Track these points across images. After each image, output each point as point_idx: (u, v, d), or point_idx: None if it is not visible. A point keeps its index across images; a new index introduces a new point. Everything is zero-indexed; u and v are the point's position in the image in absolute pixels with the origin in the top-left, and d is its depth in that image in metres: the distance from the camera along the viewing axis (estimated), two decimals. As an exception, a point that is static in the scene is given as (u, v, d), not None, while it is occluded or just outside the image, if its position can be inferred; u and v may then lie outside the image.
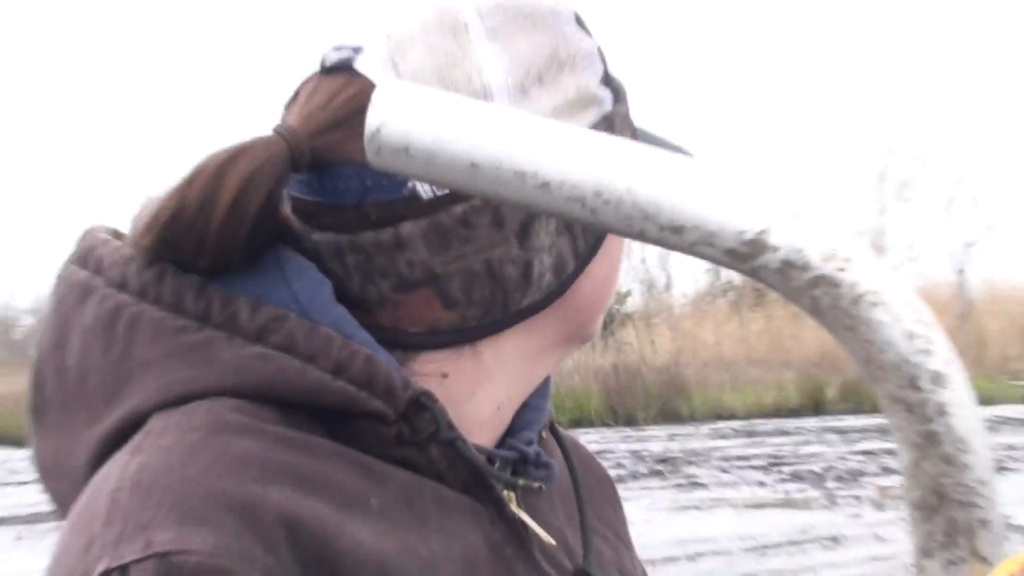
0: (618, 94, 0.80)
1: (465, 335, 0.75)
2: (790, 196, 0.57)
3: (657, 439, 17.23)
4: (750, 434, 17.36)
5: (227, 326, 0.68)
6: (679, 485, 12.37)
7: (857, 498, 10.92)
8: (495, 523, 0.75)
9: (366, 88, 0.68)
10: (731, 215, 0.56)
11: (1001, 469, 10.79)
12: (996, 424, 15.79)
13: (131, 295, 0.69)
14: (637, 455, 14.91)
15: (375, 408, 0.69)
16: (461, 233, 0.71)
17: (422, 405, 0.70)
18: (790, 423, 18.74)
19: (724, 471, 13.29)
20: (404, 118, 0.57)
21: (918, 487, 0.58)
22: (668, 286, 24.67)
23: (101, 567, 0.58)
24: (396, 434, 0.70)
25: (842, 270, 0.56)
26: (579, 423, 19.05)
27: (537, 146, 0.57)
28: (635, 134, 0.81)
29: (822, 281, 0.56)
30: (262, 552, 0.60)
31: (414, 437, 0.70)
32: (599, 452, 9.59)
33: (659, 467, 13.71)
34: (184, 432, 0.65)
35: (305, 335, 0.68)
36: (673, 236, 0.57)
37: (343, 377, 0.68)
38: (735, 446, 15.83)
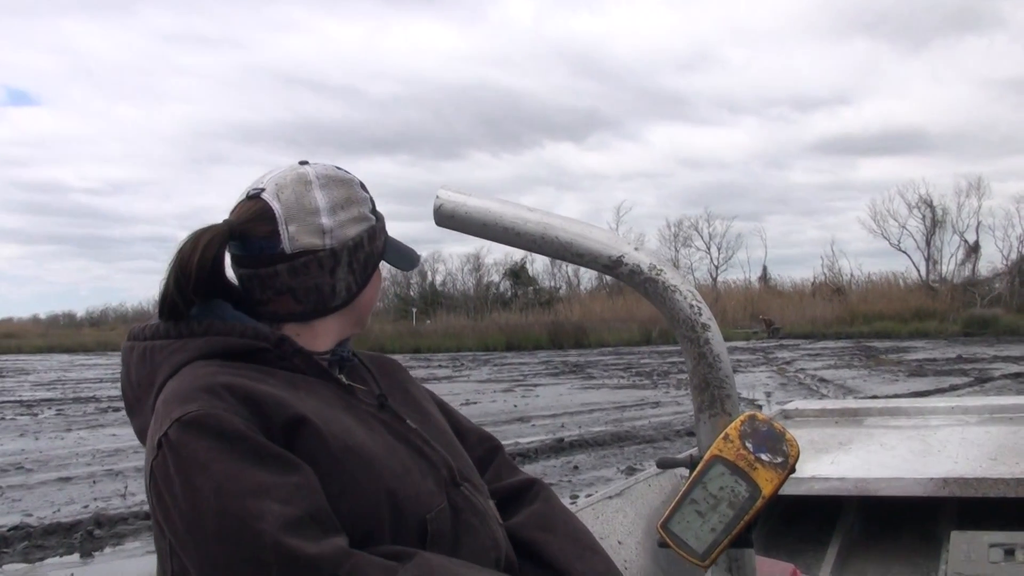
0: (379, 218, 1.62)
1: (306, 316, 1.54)
2: (634, 239, 1.18)
3: (572, 355, 33.57)
4: (616, 354, 33.25)
5: (190, 333, 1.47)
6: (583, 377, 23.51)
7: (666, 384, 20.45)
8: (335, 387, 1.52)
9: (264, 205, 1.50)
10: (605, 248, 1.19)
11: (734, 371, 19.61)
12: (731, 349, 28.19)
13: (147, 340, 1.49)
14: (564, 363, 29.19)
15: (262, 345, 1.46)
16: (303, 271, 1.51)
17: (282, 339, 1.48)
18: (636, 348, 36.29)
19: (604, 370, 25.50)
20: (450, 200, 1.18)
21: (695, 377, 1.20)
22: (578, 283, 49.69)
23: (159, 435, 1.32)
24: (275, 355, 1.47)
25: (659, 273, 1.18)
26: (537, 347, 38.58)
27: (512, 216, 1.19)
28: (386, 240, 1.63)
29: (648, 280, 1.18)
30: (222, 404, 1.32)
31: (283, 355, 1.47)
32: (547, 363, 29.20)
33: (574, 369, 26.40)
34: (183, 375, 1.41)
35: (222, 325, 1.47)
36: (578, 258, 1.20)
37: (245, 336, 1.46)
38: (609, 359, 30.80)
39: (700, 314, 1.15)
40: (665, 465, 1.37)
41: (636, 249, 1.15)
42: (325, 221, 1.51)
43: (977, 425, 5.19)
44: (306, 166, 1.57)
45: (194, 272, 1.42)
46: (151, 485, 1.32)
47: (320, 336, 1.55)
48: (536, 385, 20.73)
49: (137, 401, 1.47)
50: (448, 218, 1.23)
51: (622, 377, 22.61)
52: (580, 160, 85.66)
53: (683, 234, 55.17)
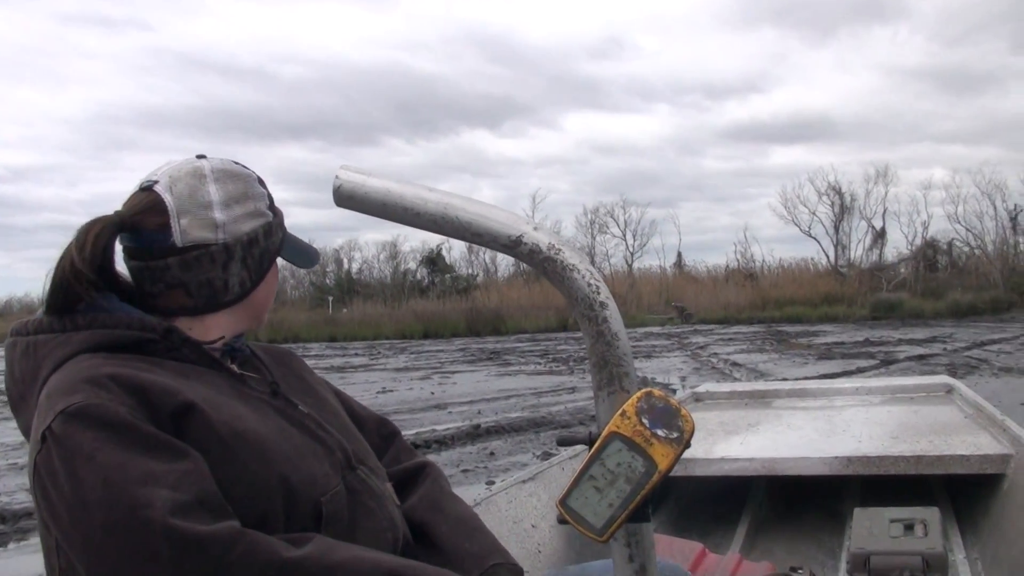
0: (276, 213, 1.61)
1: (197, 311, 1.53)
2: (550, 225, 1.19)
3: (489, 343, 33.55)
4: (534, 340, 33.31)
5: (74, 327, 1.44)
6: (500, 363, 23.30)
7: (583, 369, 19.82)
8: (226, 376, 1.51)
9: (156, 198, 1.49)
10: (504, 228, 1.19)
11: (649, 356, 22.64)
12: (646, 335, 32.84)
13: (30, 335, 1.46)
14: (481, 350, 28.93)
15: (149, 336, 1.45)
16: (195, 264, 1.50)
17: (170, 329, 1.46)
18: (553, 335, 36.67)
19: (521, 357, 25.21)
20: (349, 180, 1.17)
21: (594, 355, 1.21)
22: (495, 270, 50.11)
23: (43, 429, 1.29)
24: (163, 346, 1.45)
25: (558, 253, 1.19)
26: (455, 335, 38.55)
27: (412, 195, 1.19)
28: (284, 236, 1.64)
29: (548, 259, 1.18)
30: (107, 395, 1.30)
31: (171, 345, 1.46)
32: (465, 350, 29.27)
33: (491, 356, 26.17)
34: (66, 368, 1.38)
35: (107, 318, 1.44)
36: (477, 238, 1.20)
37: (131, 328, 1.44)
38: (527, 346, 30.36)
39: (598, 293, 1.16)
40: (565, 443, 1.38)
41: (535, 229, 1.16)
42: (218, 215, 1.50)
43: (880, 405, 5.36)
44: (202, 160, 1.57)
45: (83, 265, 1.42)
46: (35, 480, 1.30)
47: (211, 331, 1.55)
48: (453, 372, 20.74)
49: (21, 398, 1.44)
50: (347, 198, 1.22)
51: (539, 363, 22.68)
52: (496, 147, 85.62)
53: (599, 221, 55.41)
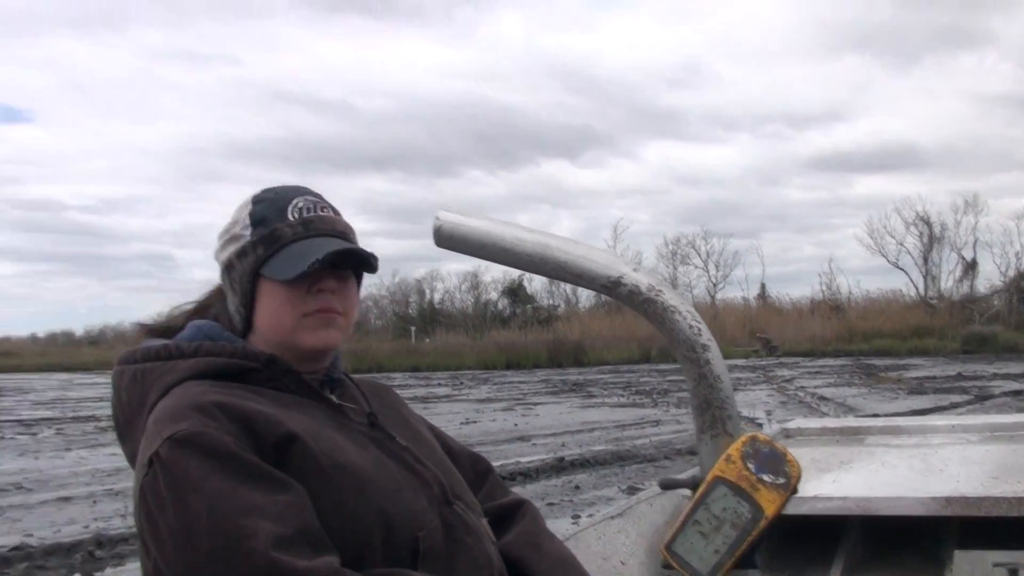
0: (256, 234, 1.55)
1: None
2: (632, 257, 1.17)
3: (572, 374, 33.46)
4: (616, 372, 33.36)
5: (180, 355, 1.48)
6: (583, 395, 23.33)
7: (666, 402, 19.94)
8: (325, 406, 1.52)
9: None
10: (603, 269, 1.19)
11: (734, 389, 19.37)
12: (730, 367, 28.57)
13: (138, 363, 1.50)
14: (563, 381, 29.13)
15: (251, 365, 1.48)
16: (221, 298, 1.61)
17: (272, 359, 1.49)
18: (635, 366, 36.32)
19: (604, 389, 25.20)
20: (449, 222, 1.18)
21: (697, 398, 1.22)
22: (577, 301, 51.88)
23: (150, 453, 1.33)
24: (265, 375, 1.48)
25: (658, 294, 1.19)
26: (536, 366, 38.57)
27: (510, 236, 1.19)
28: (270, 251, 1.54)
29: (648, 300, 1.19)
30: (214, 423, 1.33)
31: (272, 375, 1.48)
32: (547, 381, 29.45)
33: (574, 387, 26.04)
34: (174, 394, 1.40)
35: (212, 346, 1.49)
36: (576, 279, 1.21)
37: (235, 356, 1.47)
38: (609, 377, 30.54)
39: (700, 335, 1.15)
40: (668, 486, 1.37)
41: (635, 270, 1.15)
42: (216, 252, 1.61)
43: (978, 443, 5.18)
44: None
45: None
46: (140, 504, 1.33)
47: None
48: (536, 404, 20.67)
49: (128, 425, 1.48)
50: (447, 239, 1.23)
51: (622, 395, 22.46)
52: (575, 177, 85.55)
53: (680, 252, 55.19)
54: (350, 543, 1.33)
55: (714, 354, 1.17)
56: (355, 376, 1.70)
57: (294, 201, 1.56)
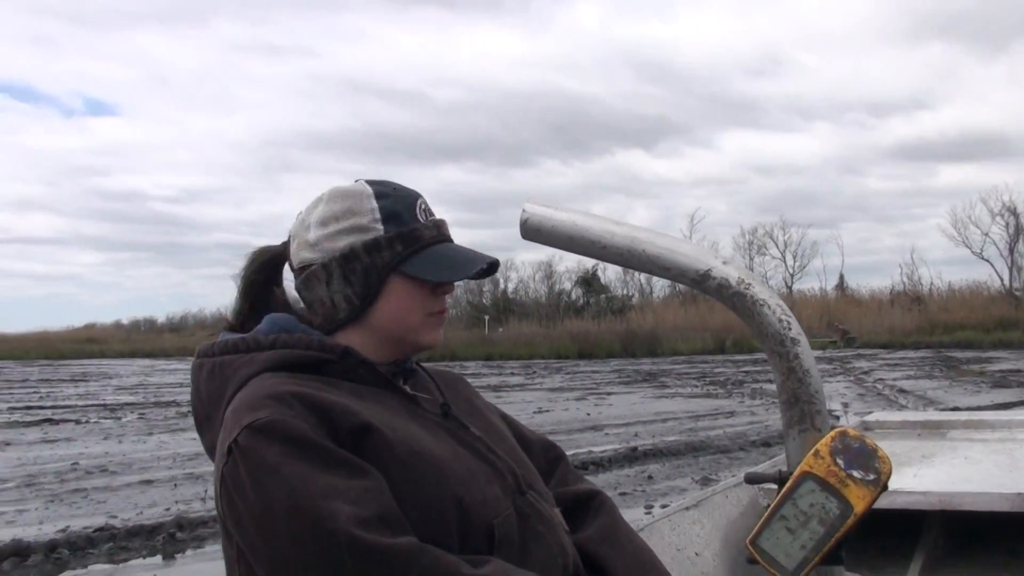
0: (395, 227, 1.55)
1: (323, 329, 1.56)
2: (709, 247, 1.17)
3: (645, 364, 33.22)
4: (690, 362, 33.11)
5: (257, 347, 1.50)
6: (656, 385, 23.33)
7: (741, 393, 20.03)
8: (400, 397, 1.53)
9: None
10: (692, 262, 1.18)
11: None
12: None
13: (216, 356, 1.52)
14: (637, 371, 29.28)
15: (327, 357, 1.49)
16: (306, 284, 1.56)
17: (347, 351, 1.50)
18: (709, 357, 36.35)
19: (677, 379, 25.26)
20: (536, 214, 1.19)
21: (784, 393, 1.20)
22: (651, 291, 51.94)
23: (229, 442, 1.34)
24: (341, 367, 1.49)
25: (747, 288, 1.18)
26: (610, 356, 38.82)
27: (599, 229, 1.19)
28: (412, 250, 1.55)
29: (737, 294, 1.18)
30: (291, 411, 1.34)
31: (348, 367, 1.49)
32: (620, 371, 29.68)
33: (647, 377, 26.32)
34: (251, 385, 1.43)
35: (288, 338, 1.50)
36: (665, 272, 1.20)
37: (311, 349, 1.49)
38: (683, 367, 30.63)
39: (789, 328, 1.14)
40: (753, 480, 1.36)
41: (724, 263, 1.15)
42: (312, 234, 1.55)
43: None
44: (354, 183, 1.62)
45: (251, 288, 1.59)
46: (221, 491, 1.35)
47: (366, 348, 1.57)
48: (609, 393, 20.66)
49: (207, 417, 1.51)
50: (534, 232, 1.24)
51: (696, 386, 22.48)
52: (650, 167, 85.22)
53: (757, 242, 54.78)
54: (427, 529, 1.34)
55: (804, 348, 1.15)
56: (427, 366, 1.71)
57: (418, 202, 1.59)
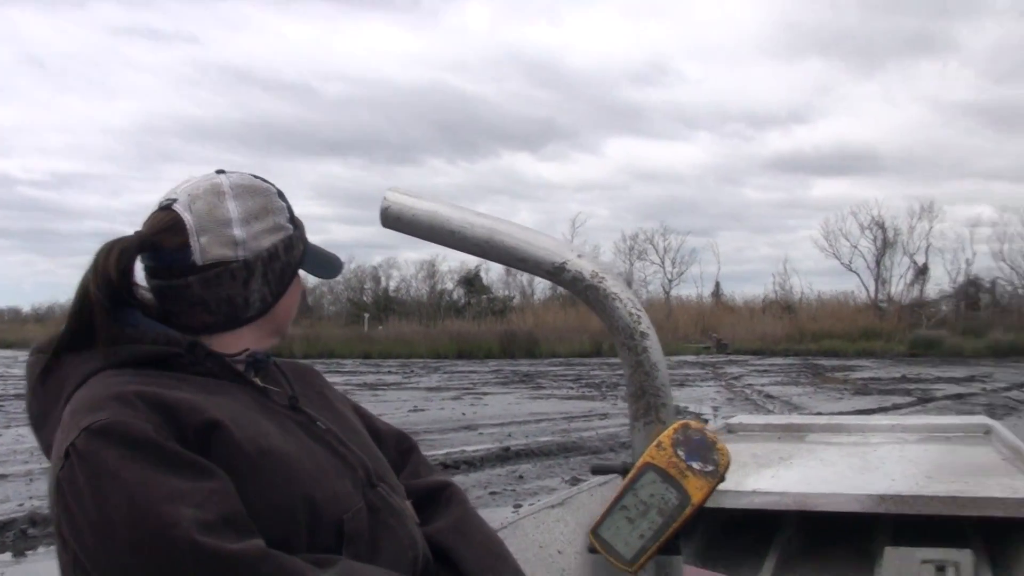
0: (297, 226, 1.61)
1: (218, 328, 1.52)
2: (589, 251, 1.20)
3: (523, 365, 33.59)
4: (567, 365, 33.45)
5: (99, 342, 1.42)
6: (533, 386, 23.64)
7: (615, 395, 20.19)
8: (250, 390, 1.50)
9: (176, 217, 1.49)
10: (548, 255, 1.20)
11: (683, 385, 22.70)
12: (681, 364, 32.72)
13: (52, 352, 1.46)
14: (514, 372, 29.52)
15: (173, 351, 1.44)
16: (215, 282, 1.49)
17: (194, 344, 1.45)
18: (587, 359, 36.64)
19: (554, 381, 25.50)
20: (397, 202, 1.19)
21: (632, 385, 1.22)
22: (532, 292, 52.20)
23: (67, 444, 1.27)
24: (188, 361, 1.44)
25: (600, 281, 1.20)
26: (488, 356, 38.57)
27: (459, 220, 1.20)
28: (305, 248, 1.62)
29: (590, 287, 1.19)
30: (133, 412, 1.29)
31: (196, 359, 1.45)
32: (498, 371, 29.83)
33: (524, 378, 26.65)
34: (91, 384, 1.37)
35: (133, 332, 1.44)
36: (522, 263, 1.21)
37: (156, 343, 1.43)
38: (560, 369, 30.77)
39: (639, 323, 1.17)
40: (599, 471, 1.39)
41: (579, 256, 1.17)
42: (237, 232, 1.50)
43: (915, 443, 5.29)
44: (221, 175, 1.57)
45: (104, 284, 1.43)
46: (57, 497, 1.28)
47: (232, 348, 1.53)
48: (485, 394, 20.74)
49: (44, 415, 1.43)
50: (395, 220, 1.23)
51: (571, 388, 22.69)
52: (536, 170, 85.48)
53: (638, 247, 55.41)
54: (276, 529, 1.32)
55: (652, 342, 1.18)
56: (279, 359, 1.67)
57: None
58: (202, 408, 1.34)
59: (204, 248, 1.48)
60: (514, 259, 1.20)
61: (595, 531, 1.15)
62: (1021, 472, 4.16)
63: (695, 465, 1.13)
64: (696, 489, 1.12)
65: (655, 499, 1.14)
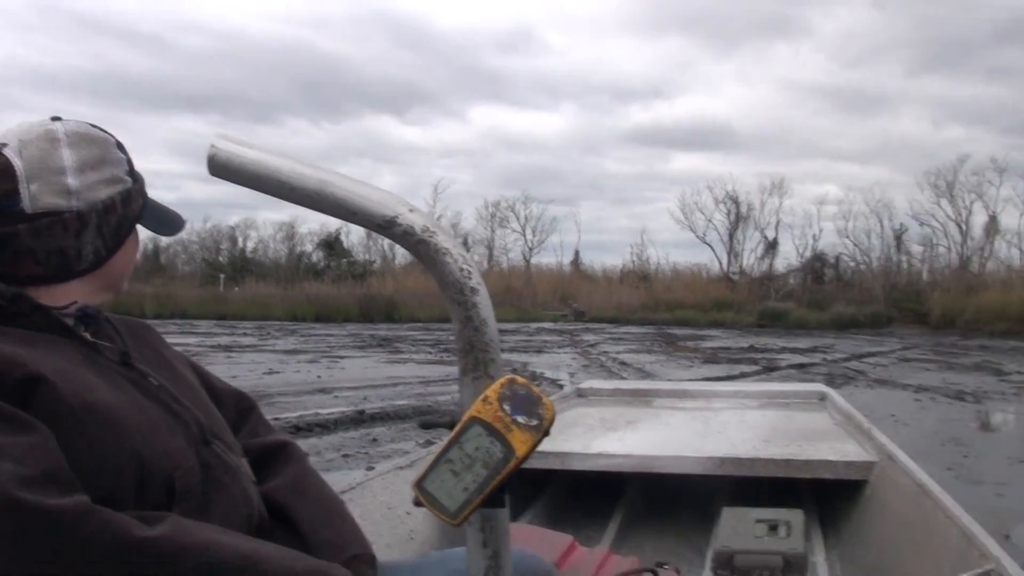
0: (137, 180, 1.57)
1: (47, 280, 1.46)
2: (410, 200, 1.19)
3: (382, 329, 33.84)
4: (427, 329, 33.73)
5: None
6: (391, 351, 23.42)
7: None
8: (79, 345, 1.45)
9: (4, 162, 1.42)
10: (379, 208, 1.18)
11: (540, 352, 23.00)
12: (539, 331, 33.99)
13: None
14: (372, 336, 29.70)
15: None
16: (45, 232, 1.43)
17: (18, 295, 1.39)
18: (446, 325, 34.92)
19: (412, 345, 25.54)
20: (224, 150, 1.16)
21: (461, 340, 1.22)
22: (393, 257, 51.79)
23: None
24: (11, 312, 1.38)
25: (431, 236, 1.19)
26: (347, 320, 38.25)
27: (288, 170, 1.18)
28: (145, 203, 1.59)
29: (421, 242, 1.18)
30: None
31: (20, 311, 1.39)
32: (356, 335, 29.36)
33: (382, 343, 26.34)
34: None
35: None
36: (352, 216, 1.19)
37: None
38: (419, 334, 30.69)
39: (469, 278, 1.17)
40: (427, 425, 1.39)
41: (411, 211, 1.16)
42: (71, 181, 1.45)
43: (756, 409, 5.50)
44: (57, 122, 1.50)
45: None
46: None
47: (62, 301, 1.48)
48: (342, 357, 20.59)
49: None
50: (222, 168, 1.19)
51: (430, 352, 22.78)
52: (400, 133, 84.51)
53: (500, 215, 55.60)
54: (102, 486, 1.28)
55: (482, 298, 1.18)
56: (111, 316, 1.63)
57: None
58: (23, 361, 1.29)
59: (34, 196, 1.42)
60: (345, 211, 1.18)
61: (419, 484, 1.15)
62: (851, 437, 4.37)
63: (520, 419, 1.14)
64: (520, 443, 1.14)
65: (480, 452, 1.14)
